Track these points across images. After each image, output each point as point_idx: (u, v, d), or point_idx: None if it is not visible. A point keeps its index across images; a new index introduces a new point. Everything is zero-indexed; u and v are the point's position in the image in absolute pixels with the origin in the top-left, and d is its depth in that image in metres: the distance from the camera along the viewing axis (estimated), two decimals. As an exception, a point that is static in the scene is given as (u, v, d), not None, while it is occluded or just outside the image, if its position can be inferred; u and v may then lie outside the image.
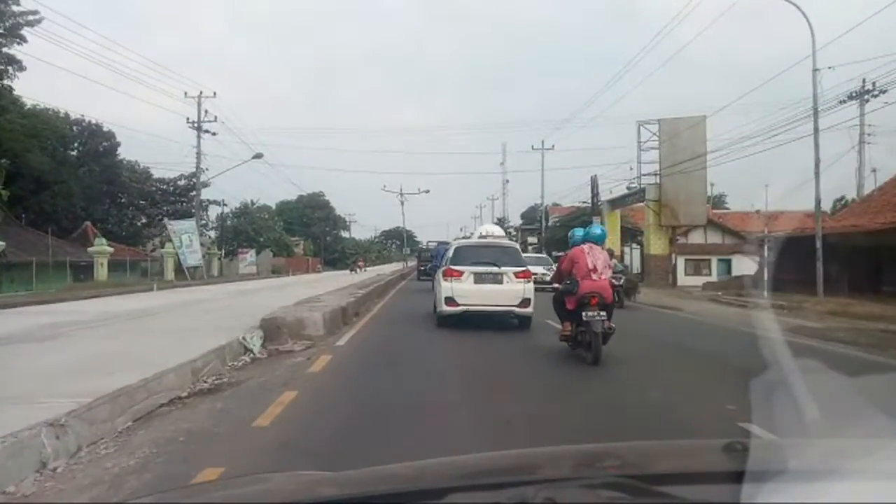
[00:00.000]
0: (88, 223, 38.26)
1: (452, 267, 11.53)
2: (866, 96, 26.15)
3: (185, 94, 40.02)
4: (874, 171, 34.40)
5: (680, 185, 30.07)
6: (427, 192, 56.91)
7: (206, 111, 40.06)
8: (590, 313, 7.73)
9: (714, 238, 39.92)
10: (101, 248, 31.20)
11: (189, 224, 39.67)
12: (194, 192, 45.92)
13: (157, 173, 46.18)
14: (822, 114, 20.05)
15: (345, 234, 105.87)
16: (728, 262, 38.86)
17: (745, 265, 37.96)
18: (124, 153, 44.05)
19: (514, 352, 9.18)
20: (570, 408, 5.79)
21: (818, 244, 18.59)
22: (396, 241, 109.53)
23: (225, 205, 47.80)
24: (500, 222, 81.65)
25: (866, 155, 32.08)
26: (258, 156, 38.29)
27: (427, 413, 5.47)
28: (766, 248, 21.65)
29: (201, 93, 40.19)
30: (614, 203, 38.32)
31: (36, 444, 3.89)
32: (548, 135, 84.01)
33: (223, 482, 2.72)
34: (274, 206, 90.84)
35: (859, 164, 30.38)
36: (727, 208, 52.43)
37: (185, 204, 44.68)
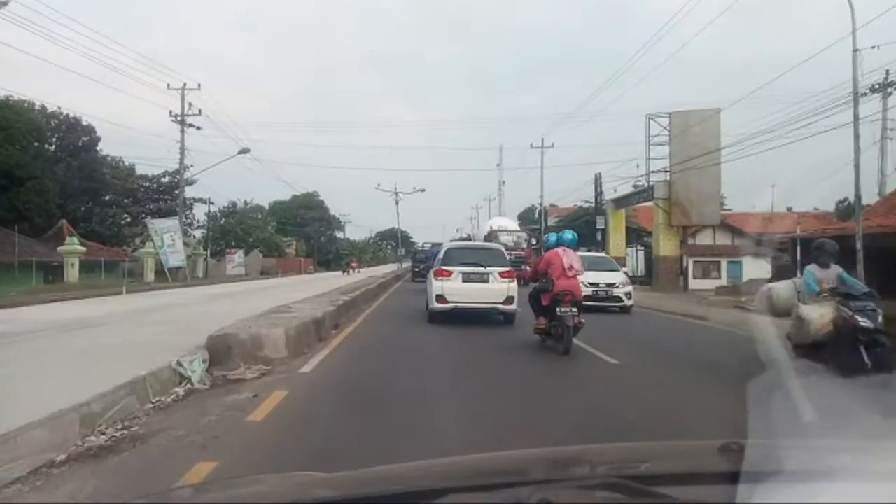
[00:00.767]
0: (64, 221, 36.26)
1: (443, 267, 12.44)
2: (889, 89, 24.40)
3: (168, 85, 38.04)
4: None
5: (692, 183, 28.20)
6: (423, 190, 55.05)
7: (190, 104, 38.12)
8: (563, 309, 8.59)
9: (723, 239, 38.04)
10: (72, 247, 29.16)
11: (171, 223, 37.61)
12: (179, 190, 44.10)
13: (141, 169, 44.25)
14: (834, 109, 18.51)
15: (339, 235, 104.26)
16: (739, 265, 36.98)
17: (756, 268, 36.17)
18: (106, 149, 42.09)
19: (498, 345, 9.85)
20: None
21: (858, 245, 16.69)
22: (392, 243, 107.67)
23: (211, 203, 45.74)
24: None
25: (886, 151, 30.18)
26: (244, 151, 36.27)
27: None
28: (797, 249, 19.60)
29: (185, 84, 38.19)
30: (619, 202, 36.48)
31: None
32: (548, 132, 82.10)
33: (219, 483, 2.60)
34: (267, 207, 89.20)
35: (881, 161, 28.46)
36: (728, 209, 50.21)
37: (169, 202, 42.62)
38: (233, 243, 50.46)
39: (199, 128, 38.77)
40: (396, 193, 54.77)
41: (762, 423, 1.59)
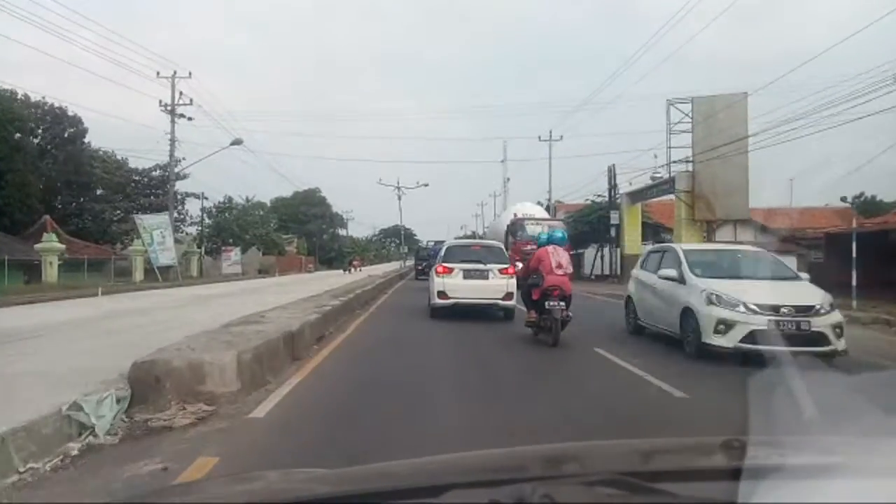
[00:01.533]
0: (48, 217, 34.28)
1: (444, 264, 12.80)
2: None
3: (158, 73, 36.10)
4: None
5: (717, 174, 26.06)
6: (426, 185, 52.90)
7: (181, 93, 36.17)
8: (552, 303, 9.00)
9: (745, 235, 35.83)
10: (50, 244, 27.21)
11: (161, 218, 35.70)
12: (169, 184, 42.11)
13: (133, 163, 42.26)
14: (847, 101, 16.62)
15: (342, 232, 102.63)
16: (762, 262, 34.84)
17: (780, 265, 34.00)
18: (94, 141, 40.16)
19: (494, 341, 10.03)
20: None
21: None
22: (395, 240, 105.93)
23: (205, 198, 43.70)
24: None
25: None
26: (237, 142, 34.30)
27: None
28: (854, 247, 17.48)
29: (175, 73, 36.31)
30: (635, 196, 34.33)
31: None
32: (557, 125, 79.65)
33: (218, 480, 2.53)
34: (269, 203, 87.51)
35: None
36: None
37: (162, 197, 40.59)
38: (230, 241, 48.53)
39: (190, 118, 36.89)
40: (399, 188, 52.72)
41: (763, 420, 1.44)
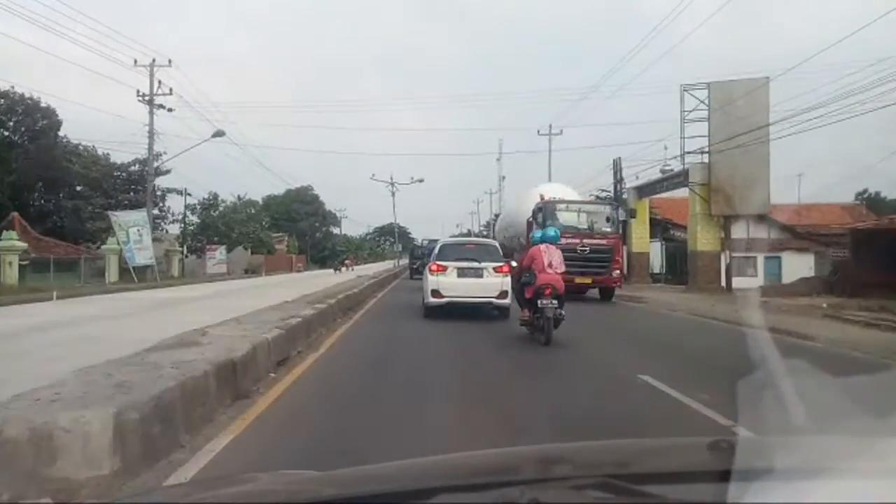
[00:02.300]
0: (16, 214, 32.06)
1: (438, 262, 12.63)
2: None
3: (136, 62, 33.86)
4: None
5: (736, 165, 24.03)
6: (421, 181, 50.71)
7: (160, 83, 33.94)
8: (544, 301, 9.06)
9: (758, 232, 33.88)
10: (9, 242, 24.98)
11: (138, 215, 33.43)
12: (156, 179, 39.82)
13: (111, 157, 39.91)
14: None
15: (336, 231, 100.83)
16: (777, 261, 32.91)
17: (796, 264, 32.11)
18: (69, 134, 37.85)
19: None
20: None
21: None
22: (390, 238, 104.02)
23: (188, 194, 41.40)
24: (496, 218, 76.16)
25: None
26: (219, 133, 32.10)
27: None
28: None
29: (153, 61, 34.08)
30: (643, 190, 32.32)
31: None
32: (558, 117, 77.25)
33: (209, 482, 2.54)
34: (261, 201, 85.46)
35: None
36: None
37: (141, 193, 38.30)
38: (215, 239, 46.27)
39: (170, 109, 34.68)
40: (393, 184, 50.53)
41: (752, 423, 1.48)
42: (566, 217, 19.07)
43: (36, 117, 35.46)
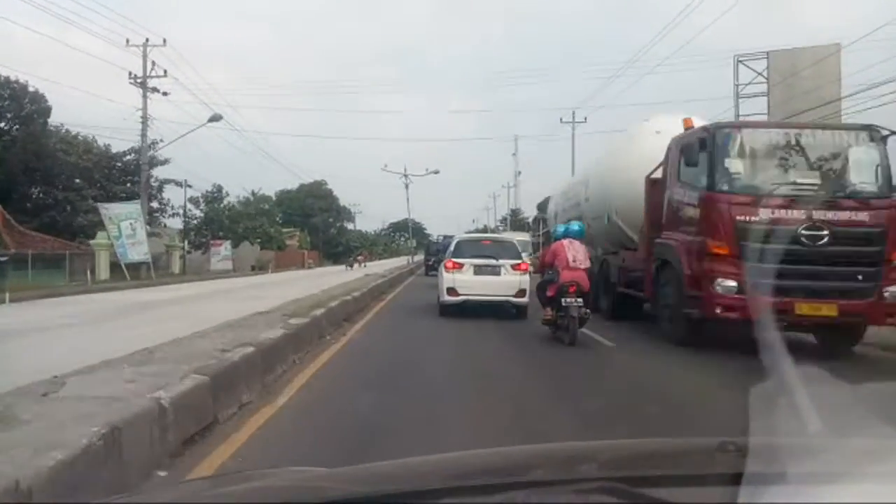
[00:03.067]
0: (-2, 207, 29.59)
1: (454, 259, 12.34)
2: None
3: (128, 41, 31.32)
4: None
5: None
6: (437, 172, 47.60)
7: (154, 63, 31.34)
8: (568, 299, 8.64)
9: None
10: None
11: (131, 208, 30.88)
12: (154, 170, 37.31)
13: (104, 145, 37.36)
14: None
15: (350, 226, 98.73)
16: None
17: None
18: (59, 121, 35.38)
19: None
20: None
21: None
22: (405, 234, 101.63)
23: (189, 186, 38.79)
24: (514, 214, 73.04)
25: None
26: (216, 118, 29.43)
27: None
28: None
29: (147, 40, 31.50)
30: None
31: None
32: (580, 105, 73.08)
33: (218, 478, 2.52)
34: (274, 196, 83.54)
35: None
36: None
37: (137, 184, 35.72)
38: (220, 234, 43.72)
39: (165, 93, 32.14)
40: (406, 175, 47.58)
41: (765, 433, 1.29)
42: (767, 155, 8.45)
43: (23, 103, 33.01)
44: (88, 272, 26.18)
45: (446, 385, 6.43)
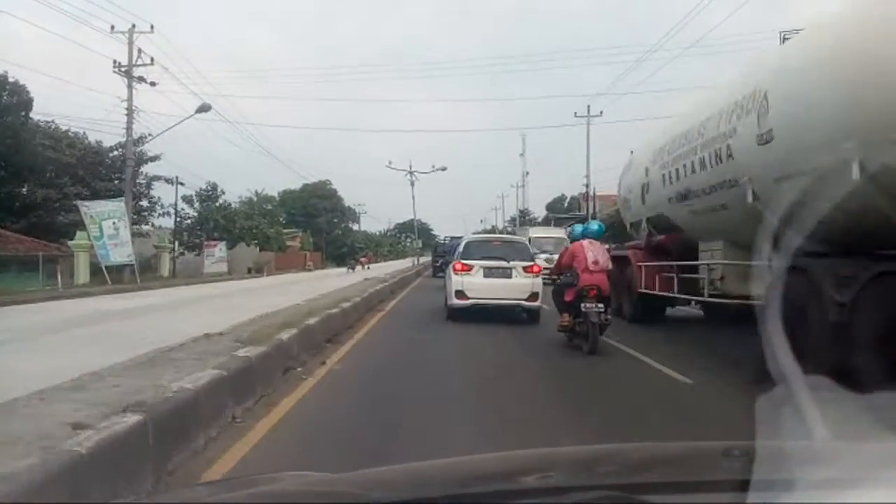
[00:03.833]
0: (-30, 205, 27.43)
1: (462, 261, 11.85)
2: None
3: (112, 27, 29.09)
4: None
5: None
6: (444, 169, 45.24)
7: (140, 51, 29.10)
8: (588, 304, 8.16)
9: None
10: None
11: (114, 206, 28.55)
12: (143, 167, 35.05)
13: (97, 142, 35.12)
14: None
15: (355, 227, 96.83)
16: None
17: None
18: (43, 115, 33.16)
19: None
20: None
21: None
22: (411, 235, 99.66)
23: (181, 183, 36.46)
24: (523, 214, 70.67)
25: None
26: (205, 108, 27.15)
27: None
28: None
29: (133, 26, 29.27)
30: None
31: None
32: (594, 100, 70.20)
33: (225, 483, 2.53)
34: (277, 196, 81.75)
35: None
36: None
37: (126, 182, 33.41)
38: (215, 234, 41.41)
39: (153, 83, 29.86)
40: (411, 173, 45.20)
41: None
42: None
43: (2, 94, 30.80)
44: (59, 276, 23.80)
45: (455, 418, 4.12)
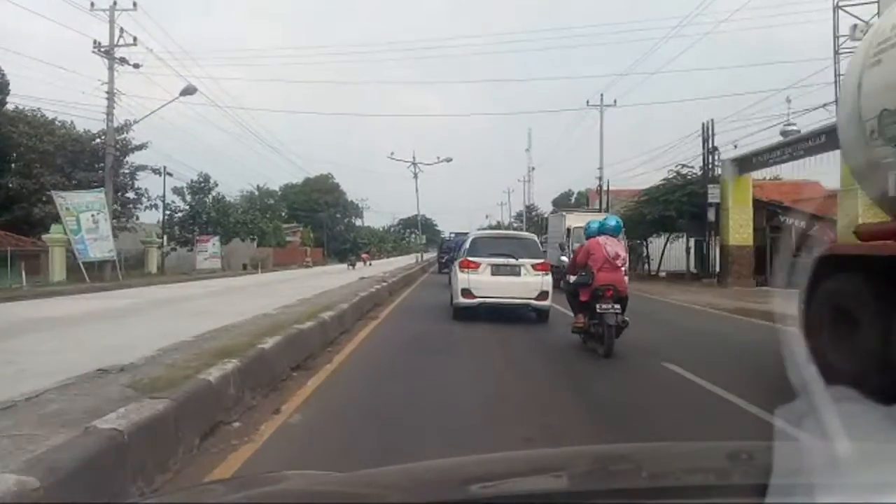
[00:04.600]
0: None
1: (469, 258, 11.51)
2: None
3: (92, 5, 26.94)
4: None
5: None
6: (449, 160, 42.90)
7: (122, 30, 26.94)
8: (604, 305, 7.86)
9: None
10: None
11: (93, 197, 26.44)
12: (129, 157, 32.91)
13: (85, 131, 32.97)
14: None
15: (358, 222, 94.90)
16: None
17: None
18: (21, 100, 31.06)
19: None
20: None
21: None
22: (415, 231, 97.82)
23: (169, 174, 34.28)
24: (529, 210, 68.50)
25: None
26: (190, 90, 24.95)
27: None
28: None
29: (115, 3, 27.09)
30: (744, 163, 24.30)
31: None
32: (606, 89, 67.70)
33: (233, 482, 2.44)
34: (279, 191, 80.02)
35: None
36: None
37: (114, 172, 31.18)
38: (208, 228, 39.33)
39: (137, 65, 27.67)
40: (415, 164, 42.96)
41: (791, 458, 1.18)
42: None
43: (-25, 78, 28.73)
44: (23, 273, 21.66)
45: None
